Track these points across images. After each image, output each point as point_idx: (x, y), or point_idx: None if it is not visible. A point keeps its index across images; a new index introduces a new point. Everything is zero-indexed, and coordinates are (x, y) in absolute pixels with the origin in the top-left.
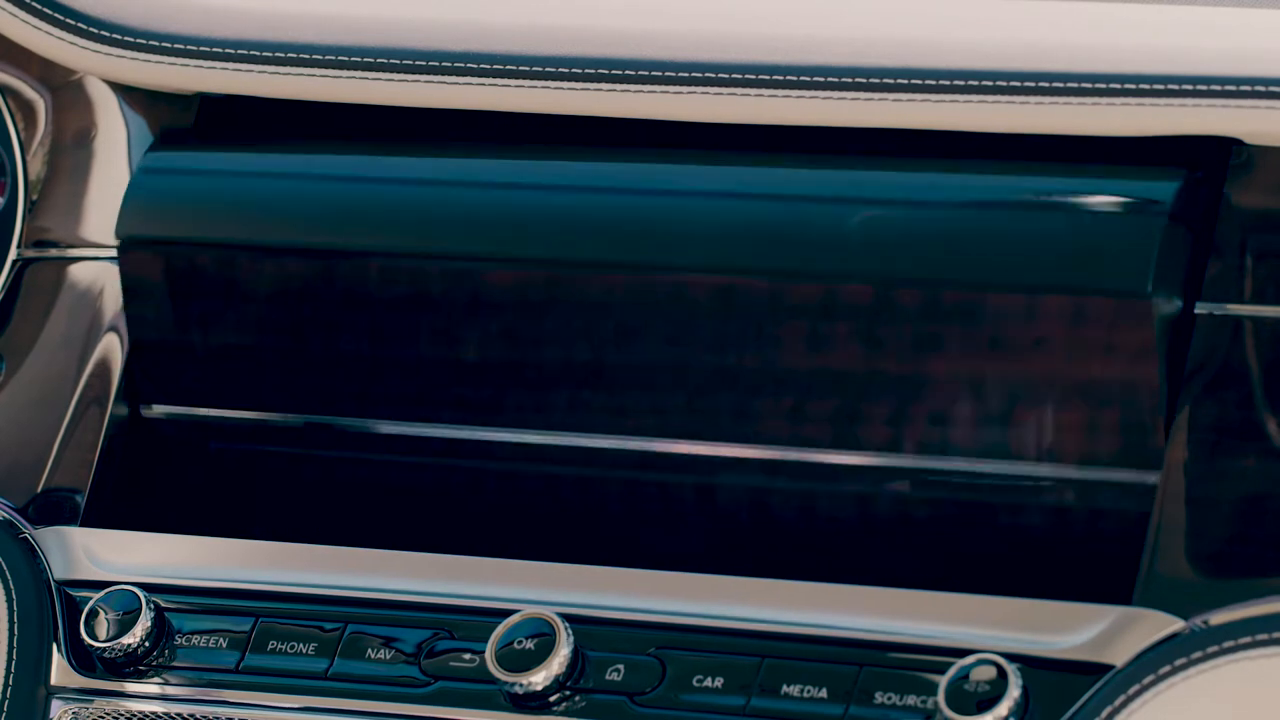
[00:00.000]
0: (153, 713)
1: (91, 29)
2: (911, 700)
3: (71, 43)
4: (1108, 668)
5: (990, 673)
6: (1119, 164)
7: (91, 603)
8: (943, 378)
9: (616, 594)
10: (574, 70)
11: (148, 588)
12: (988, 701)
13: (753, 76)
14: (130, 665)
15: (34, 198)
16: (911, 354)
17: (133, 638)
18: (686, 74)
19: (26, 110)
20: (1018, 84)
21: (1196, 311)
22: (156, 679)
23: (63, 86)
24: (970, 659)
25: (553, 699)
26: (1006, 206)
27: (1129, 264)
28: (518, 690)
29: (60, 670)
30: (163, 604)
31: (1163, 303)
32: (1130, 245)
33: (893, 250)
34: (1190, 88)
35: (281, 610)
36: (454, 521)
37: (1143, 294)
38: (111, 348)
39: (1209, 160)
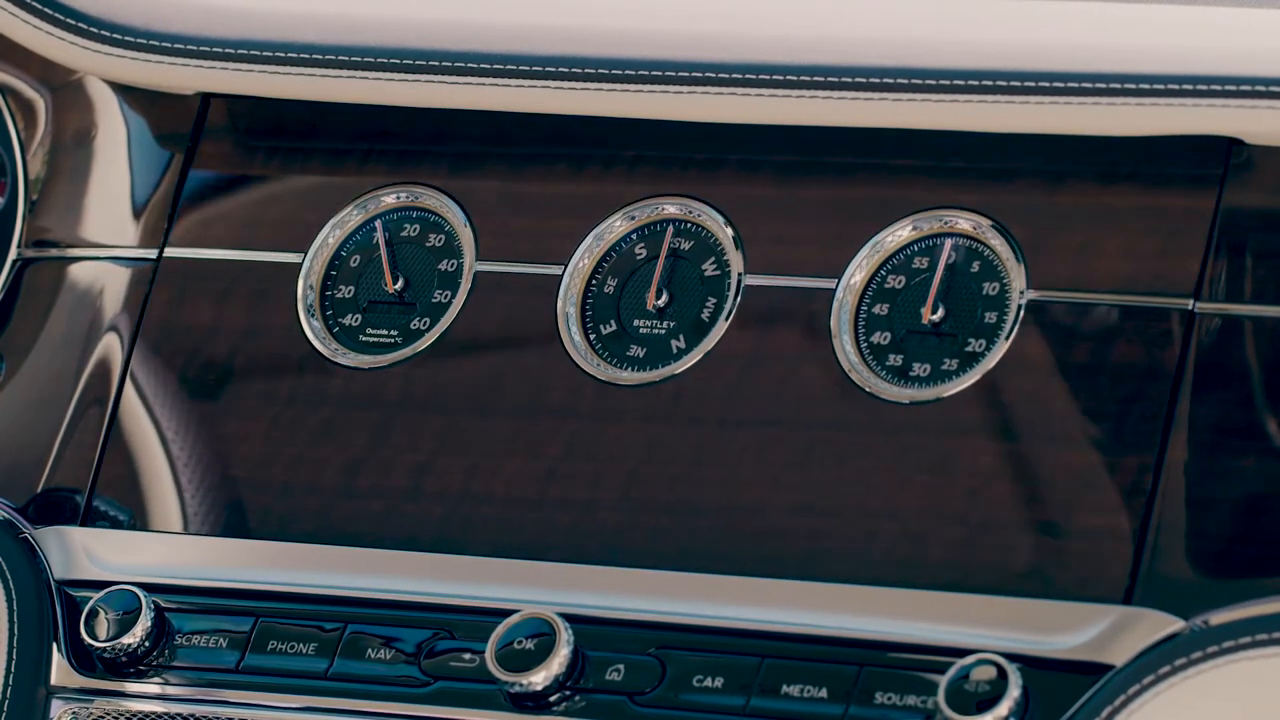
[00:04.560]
0: (153, 713)
1: (92, 29)
2: (911, 700)
3: (71, 43)
4: (1108, 668)
5: (990, 673)
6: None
7: (91, 603)
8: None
9: (616, 594)
10: (574, 70)
11: (148, 588)
12: (988, 701)
13: (753, 76)
14: (130, 665)
15: (34, 198)
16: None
17: (133, 638)
18: (686, 74)
19: (26, 110)
20: (1018, 84)
21: (1196, 311)
22: (156, 679)
23: (63, 86)
24: (970, 659)
25: (553, 699)
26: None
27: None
28: (518, 690)
29: (60, 670)
30: (163, 604)
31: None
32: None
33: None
34: (1190, 88)
35: (281, 610)
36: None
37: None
38: (111, 348)
39: (1209, 160)
